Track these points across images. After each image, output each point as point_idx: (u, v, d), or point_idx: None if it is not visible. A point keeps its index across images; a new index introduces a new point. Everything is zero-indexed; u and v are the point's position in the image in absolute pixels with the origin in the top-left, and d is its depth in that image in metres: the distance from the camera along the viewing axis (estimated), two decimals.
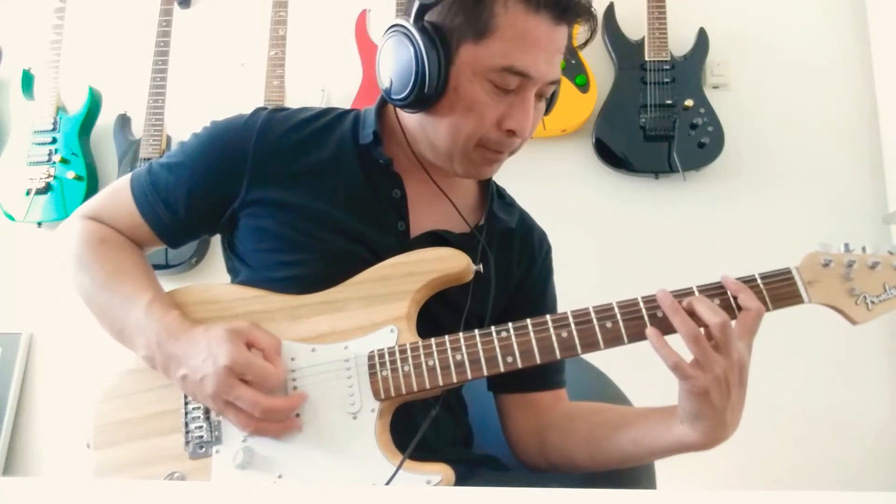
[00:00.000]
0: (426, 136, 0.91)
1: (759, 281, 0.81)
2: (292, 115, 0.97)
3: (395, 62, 0.87)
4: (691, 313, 0.77)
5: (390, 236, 0.93)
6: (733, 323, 0.77)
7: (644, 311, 0.80)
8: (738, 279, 0.81)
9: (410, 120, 0.93)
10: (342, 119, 0.99)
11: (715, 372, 0.74)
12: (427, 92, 0.84)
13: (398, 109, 0.95)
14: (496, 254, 0.98)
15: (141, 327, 0.85)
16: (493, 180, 1.06)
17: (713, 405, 0.75)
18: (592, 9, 0.87)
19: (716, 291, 0.80)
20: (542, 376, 0.99)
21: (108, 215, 0.97)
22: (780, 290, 0.80)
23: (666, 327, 0.78)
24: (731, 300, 0.79)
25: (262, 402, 0.79)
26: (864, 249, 0.82)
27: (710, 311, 0.76)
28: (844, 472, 1.93)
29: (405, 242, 0.93)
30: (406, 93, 0.86)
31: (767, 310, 0.80)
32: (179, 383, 0.83)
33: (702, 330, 0.75)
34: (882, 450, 1.95)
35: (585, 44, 0.92)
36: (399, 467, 0.79)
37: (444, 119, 0.87)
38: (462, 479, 0.81)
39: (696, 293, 0.79)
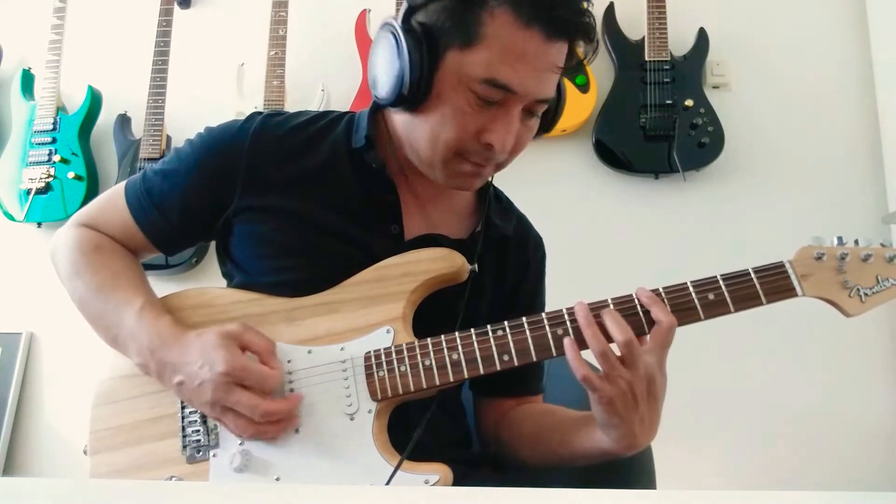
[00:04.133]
0: (410, 141, 0.90)
1: (752, 275, 0.81)
2: (286, 120, 0.97)
3: (380, 61, 0.87)
4: (602, 327, 0.78)
5: (384, 240, 0.93)
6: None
7: (639, 307, 0.81)
8: (732, 273, 0.81)
9: (398, 123, 0.92)
10: (336, 123, 0.98)
11: (620, 385, 0.76)
12: (407, 93, 0.83)
13: (388, 113, 0.95)
14: (491, 261, 0.98)
15: (133, 333, 0.85)
16: (491, 183, 1.06)
17: (620, 416, 0.77)
18: (591, 25, 0.83)
19: (629, 305, 0.81)
20: (526, 382, 1.01)
21: (102, 222, 0.97)
22: (773, 283, 0.81)
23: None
24: (641, 315, 0.80)
25: (261, 406, 0.79)
26: (856, 242, 0.83)
27: (616, 328, 0.77)
28: (844, 472, 1.93)
29: (399, 246, 0.92)
30: (387, 92, 0.85)
31: (762, 304, 0.80)
32: (175, 389, 0.83)
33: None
34: (882, 450, 1.95)
35: (583, 61, 0.88)
36: (398, 467, 0.79)
37: (426, 124, 0.86)
38: (461, 479, 0.81)
39: (611, 306, 0.80)
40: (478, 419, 1.05)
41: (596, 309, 0.80)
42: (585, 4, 0.83)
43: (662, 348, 0.78)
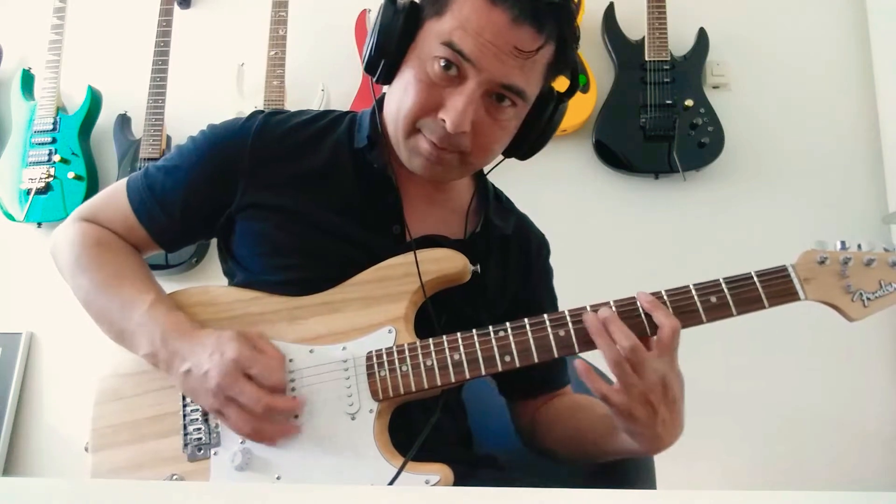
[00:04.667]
0: (387, 120, 0.91)
1: (755, 279, 0.81)
2: (288, 118, 0.97)
3: (370, 31, 0.89)
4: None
5: (386, 240, 0.93)
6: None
7: (641, 310, 0.80)
8: (734, 277, 0.81)
9: (385, 108, 0.93)
10: (338, 122, 0.98)
11: (635, 395, 0.76)
12: (376, 56, 0.86)
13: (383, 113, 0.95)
14: (493, 261, 0.98)
15: (144, 325, 0.85)
16: (490, 184, 1.06)
17: (641, 423, 0.78)
18: (563, 15, 0.82)
19: (632, 307, 0.81)
20: (551, 379, 1.03)
21: (104, 218, 0.97)
22: (776, 287, 0.81)
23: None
24: (644, 318, 0.80)
25: (264, 399, 0.78)
26: (859, 247, 0.82)
27: (621, 335, 0.77)
28: (844, 472, 1.93)
29: (400, 246, 0.92)
30: (365, 58, 0.88)
31: (764, 307, 0.80)
32: (181, 378, 0.82)
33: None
34: (882, 450, 1.95)
35: (565, 57, 0.87)
36: (401, 468, 0.78)
37: (394, 96, 0.88)
38: (462, 479, 0.81)
39: (613, 307, 0.80)
40: (514, 421, 1.07)
41: (595, 307, 0.81)
42: None
43: (670, 352, 0.78)
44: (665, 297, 0.81)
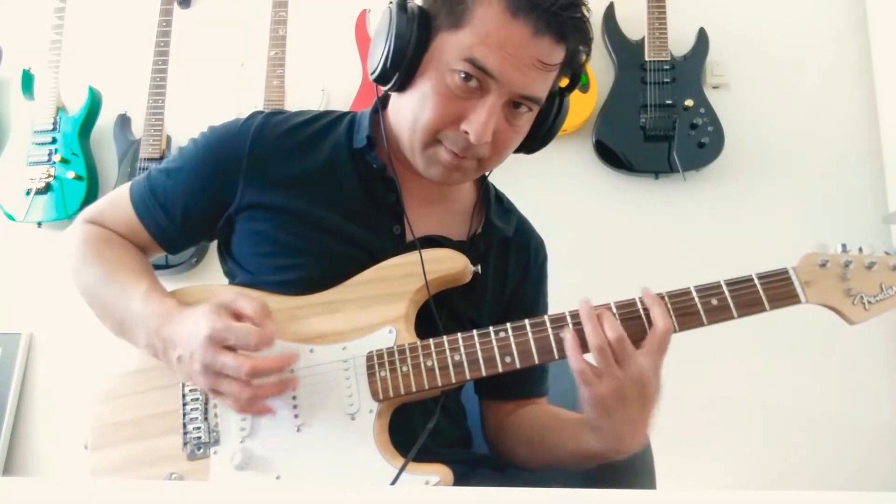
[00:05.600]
0: (397, 128, 0.91)
1: (756, 281, 0.81)
2: (288, 118, 0.97)
3: (375, 38, 0.88)
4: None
5: (386, 240, 0.93)
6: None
7: (642, 311, 0.81)
8: (735, 279, 0.81)
9: (391, 112, 0.93)
10: (338, 123, 0.98)
11: (612, 384, 0.76)
12: (390, 68, 0.84)
13: (385, 113, 0.95)
14: (492, 263, 0.98)
15: (140, 316, 0.85)
16: (491, 185, 1.06)
17: (609, 414, 0.77)
18: (583, 26, 0.83)
19: (631, 309, 0.81)
20: (529, 385, 1.01)
21: (109, 220, 0.98)
22: (777, 290, 0.81)
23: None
24: (643, 315, 0.80)
25: (245, 363, 0.76)
26: (860, 250, 0.82)
27: (609, 326, 0.77)
28: (844, 472, 1.93)
29: (401, 246, 0.92)
30: (374, 67, 0.86)
31: (765, 310, 0.80)
32: (177, 367, 0.82)
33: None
34: (883, 450, 1.95)
35: (579, 64, 0.88)
36: (402, 469, 0.78)
37: (409, 105, 0.87)
38: (461, 479, 0.82)
39: (614, 308, 0.81)
40: (482, 422, 1.05)
41: (597, 308, 0.81)
42: (583, 8, 0.82)
43: (658, 352, 0.78)
44: (666, 299, 0.81)
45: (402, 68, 0.84)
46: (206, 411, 0.85)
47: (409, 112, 0.87)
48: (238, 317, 0.81)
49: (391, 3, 0.86)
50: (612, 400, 0.76)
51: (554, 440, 0.91)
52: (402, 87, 0.86)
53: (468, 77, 0.81)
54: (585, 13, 0.83)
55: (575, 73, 0.90)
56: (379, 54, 0.85)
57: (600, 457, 0.82)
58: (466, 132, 0.83)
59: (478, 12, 0.80)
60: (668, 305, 0.80)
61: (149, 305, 0.85)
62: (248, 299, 0.83)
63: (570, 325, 0.81)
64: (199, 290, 0.92)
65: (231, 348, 0.78)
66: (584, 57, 0.87)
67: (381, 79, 0.87)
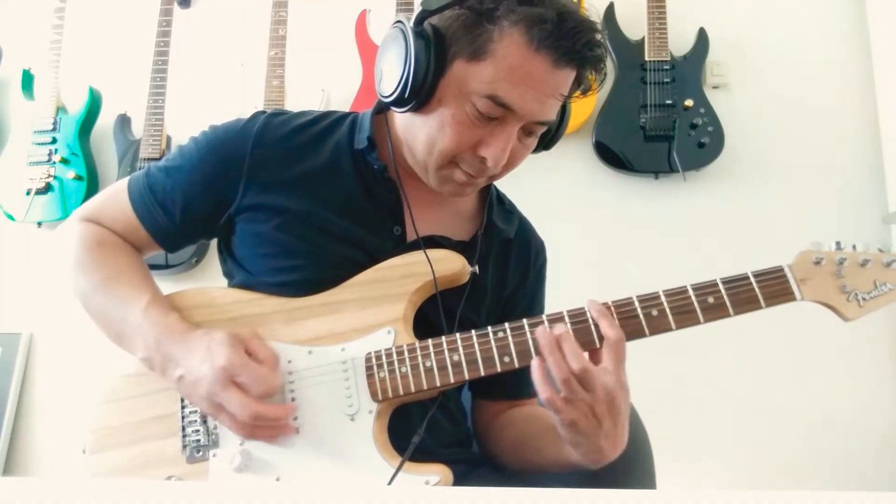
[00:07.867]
0: (408, 141, 0.90)
1: (752, 279, 0.81)
2: (289, 119, 0.97)
3: (388, 59, 0.87)
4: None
5: (386, 241, 0.93)
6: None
7: (640, 310, 0.81)
8: (731, 277, 0.81)
9: (399, 123, 0.92)
10: (339, 123, 0.98)
11: (581, 408, 0.76)
12: (409, 94, 0.83)
13: (390, 114, 0.95)
14: (493, 264, 0.98)
15: (139, 328, 0.85)
16: (493, 185, 1.06)
17: (584, 435, 0.77)
18: (601, 57, 0.83)
19: (581, 318, 0.81)
20: (520, 385, 1.00)
21: (106, 218, 0.97)
22: (772, 287, 0.81)
23: (657, 325, 0.81)
24: (593, 328, 0.80)
25: (250, 407, 0.78)
26: (854, 247, 0.83)
27: (572, 357, 0.76)
28: (844, 472, 1.93)
29: (401, 247, 0.92)
30: (390, 90, 0.85)
31: (761, 307, 0.81)
32: (176, 384, 0.83)
33: None
34: (884, 450, 1.95)
35: (588, 90, 0.89)
36: (399, 469, 0.79)
37: (425, 127, 0.86)
38: (461, 479, 0.82)
39: (566, 318, 0.81)
40: (473, 420, 1.06)
41: (553, 320, 0.82)
42: (598, 36, 0.82)
43: (618, 363, 0.78)
44: (663, 298, 0.81)
45: (419, 96, 0.83)
46: (204, 414, 0.84)
47: (424, 134, 0.86)
48: (249, 355, 0.82)
49: (404, 23, 0.85)
50: (584, 422, 0.76)
51: (536, 446, 0.91)
52: (417, 110, 0.86)
53: (489, 110, 0.82)
54: (602, 41, 0.83)
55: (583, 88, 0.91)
56: (395, 79, 0.84)
57: (581, 467, 0.83)
58: (484, 158, 0.84)
59: (499, 46, 0.80)
60: (665, 304, 0.81)
61: (149, 318, 0.85)
62: (263, 343, 0.84)
63: (568, 325, 0.81)
64: (194, 293, 0.92)
65: (238, 384, 0.79)
66: (594, 75, 0.88)
67: (397, 103, 0.86)
